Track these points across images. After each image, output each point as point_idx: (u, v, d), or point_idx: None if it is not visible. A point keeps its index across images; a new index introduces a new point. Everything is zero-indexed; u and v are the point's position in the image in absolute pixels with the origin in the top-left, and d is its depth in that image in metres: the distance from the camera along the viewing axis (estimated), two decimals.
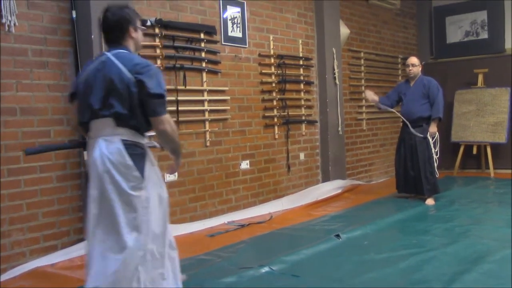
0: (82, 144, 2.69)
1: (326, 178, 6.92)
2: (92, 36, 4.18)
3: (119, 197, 2.56)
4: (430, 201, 5.87)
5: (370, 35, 8.10)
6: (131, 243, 2.54)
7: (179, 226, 4.85)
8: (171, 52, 4.98)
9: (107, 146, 2.58)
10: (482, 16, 8.78)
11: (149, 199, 2.64)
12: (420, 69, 6.05)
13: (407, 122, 5.88)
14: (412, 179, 5.98)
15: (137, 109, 2.60)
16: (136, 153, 2.63)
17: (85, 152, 4.13)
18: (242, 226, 5.12)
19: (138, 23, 2.79)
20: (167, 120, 2.66)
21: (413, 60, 6.07)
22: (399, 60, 8.65)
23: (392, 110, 6.09)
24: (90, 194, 2.61)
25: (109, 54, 2.65)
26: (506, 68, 8.27)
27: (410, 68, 6.02)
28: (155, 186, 2.71)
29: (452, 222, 4.88)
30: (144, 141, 2.72)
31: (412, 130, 5.84)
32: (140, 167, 2.62)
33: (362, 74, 7.86)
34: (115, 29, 2.70)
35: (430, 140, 5.85)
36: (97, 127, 2.64)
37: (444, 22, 9.18)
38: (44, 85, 4.07)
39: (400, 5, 8.56)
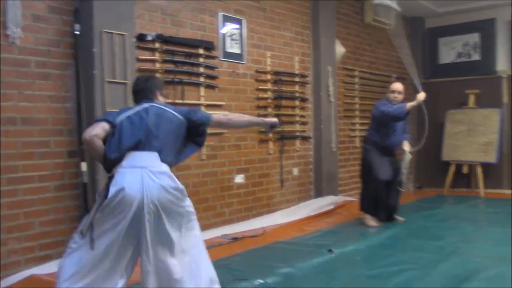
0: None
1: (319, 194, 6.99)
2: (94, 50, 4.26)
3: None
4: (400, 218, 5.93)
5: (365, 54, 8.24)
6: None
7: None
8: (171, 66, 5.07)
9: (157, 175, 2.78)
10: (474, 38, 8.95)
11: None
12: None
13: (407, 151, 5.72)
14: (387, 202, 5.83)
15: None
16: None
17: (83, 163, 4.21)
18: (236, 239, 5.17)
19: (163, 91, 3.30)
20: None
21: (400, 86, 5.71)
22: (392, 79, 8.74)
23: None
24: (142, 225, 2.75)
25: (152, 103, 3.06)
26: (497, 89, 8.46)
27: (396, 95, 5.63)
28: None
29: (443, 240, 4.96)
30: None
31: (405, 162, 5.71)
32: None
33: (356, 92, 7.98)
34: (147, 90, 3.15)
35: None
36: (140, 158, 2.82)
37: (437, 43, 9.35)
38: (45, 96, 4.13)
39: (395, 25, 8.70)
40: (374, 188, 5.66)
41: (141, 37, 4.75)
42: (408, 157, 5.78)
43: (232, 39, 5.76)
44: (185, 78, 5.20)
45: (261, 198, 6.18)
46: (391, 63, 8.90)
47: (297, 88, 6.74)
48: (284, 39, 6.57)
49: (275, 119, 3.46)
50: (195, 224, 2.98)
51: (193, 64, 5.30)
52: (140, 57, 4.77)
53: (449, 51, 9.25)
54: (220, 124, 3.28)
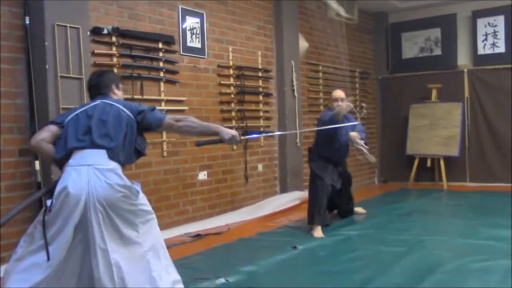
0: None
1: (284, 190, 6.94)
2: (46, 43, 4.07)
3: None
4: (361, 209, 6.03)
5: (328, 49, 8.21)
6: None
7: None
8: (128, 61, 4.91)
9: (104, 173, 2.65)
10: (436, 33, 9.04)
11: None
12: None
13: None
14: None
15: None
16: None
17: (36, 162, 4.04)
18: (199, 236, 5.06)
19: (120, 85, 3.18)
20: None
21: (341, 94, 5.37)
22: (357, 74, 8.82)
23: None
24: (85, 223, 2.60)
25: (104, 99, 2.95)
26: (458, 84, 8.55)
27: (339, 103, 5.17)
28: None
29: (406, 234, 4.94)
30: None
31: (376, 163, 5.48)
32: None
33: (321, 87, 7.95)
34: (102, 86, 3.04)
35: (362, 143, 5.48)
36: (87, 156, 2.71)
37: (400, 38, 9.41)
38: None
39: (358, 20, 8.72)
40: (319, 194, 5.19)
41: (96, 31, 4.59)
42: (360, 142, 5.56)
43: (193, 33, 5.64)
44: (144, 73, 5.05)
45: (225, 194, 6.08)
46: (354, 58, 8.91)
47: (260, 83, 6.66)
48: (246, 33, 6.47)
49: (234, 132, 3.08)
50: (154, 224, 2.86)
51: (152, 59, 5.16)
52: (96, 51, 4.60)
53: (412, 46, 9.33)
54: (170, 129, 3.04)
